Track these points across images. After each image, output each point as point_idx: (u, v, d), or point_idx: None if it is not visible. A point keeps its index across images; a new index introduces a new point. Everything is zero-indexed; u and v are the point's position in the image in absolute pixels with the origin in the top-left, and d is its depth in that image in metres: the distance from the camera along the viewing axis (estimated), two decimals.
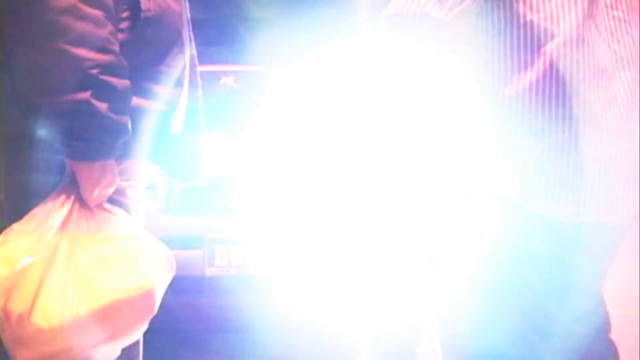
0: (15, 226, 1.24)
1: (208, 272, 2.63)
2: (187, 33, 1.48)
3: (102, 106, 1.23)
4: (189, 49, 1.49)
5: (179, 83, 1.42)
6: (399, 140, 3.21)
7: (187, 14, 1.48)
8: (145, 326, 1.34)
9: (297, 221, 2.77)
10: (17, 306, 1.19)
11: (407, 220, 2.95)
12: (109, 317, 1.24)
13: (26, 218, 1.25)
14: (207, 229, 2.67)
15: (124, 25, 1.32)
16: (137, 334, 1.34)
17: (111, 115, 1.24)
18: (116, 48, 1.28)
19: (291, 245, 2.73)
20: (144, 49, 1.35)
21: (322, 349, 3.24)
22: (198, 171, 1.51)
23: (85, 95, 1.22)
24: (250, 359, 3.37)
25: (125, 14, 1.33)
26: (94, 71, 1.23)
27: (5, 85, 1.28)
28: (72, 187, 1.27)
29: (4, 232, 1.25)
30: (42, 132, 1.27)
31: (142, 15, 1.33)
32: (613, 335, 3.89)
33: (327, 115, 4.07)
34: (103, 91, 1.23)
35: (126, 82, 1.28)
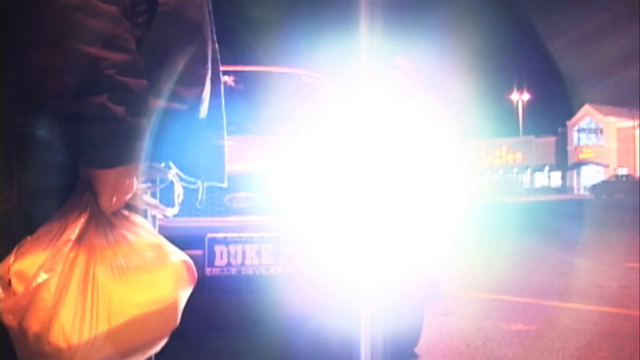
0: (29, 238, 1.16)
1: (208, 272, 2.63)
2: (209, 26, 1.36)
3: (119, 109, 1.14)
4: (211, 43, 1.37)
5: (200, 81, 1.32)
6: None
7: (208, 4, 1.37)
8: (166, 339, 1.26)
9: (297, 220, 2.77)
10: (33, 324, 1.11)
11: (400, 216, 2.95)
12: (129, 332, 1.17)
13: (41, 230, 1.17)
14: (207, 229, 2.67)
15: (140, 20, 1.22)
16: (157, 348, 1.26)
17: (128, 118, 1.15)
18: (133, 46, 1.18)
19: (292, 244, 2.73)
20: (162, 46, 1.25)
21: (322, 349, 3.24)
22: (221, 171, 1.41)
23: (101, 98, 1.13)
24: (250, 359, 3.37)
25: (141, 8, 1.23)
26: (110, 72, 1.14)
27: (16, 88, 1.19)
28: (87, 195, 1.19)
29: (18, 244, 1.16)
30: (53, 134, 1.19)
31: (160, 9, 1.24)
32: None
33: (327, 114, 4.07)
34: (120, 93, 1.15)
35: (143, 82, 1.19)
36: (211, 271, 2.64)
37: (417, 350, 3.45)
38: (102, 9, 1.15)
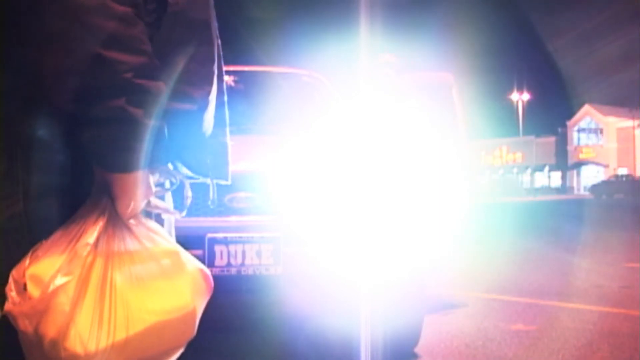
0: (45, 242, 1.14)
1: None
2: (214, 22, 1.34)
3: (138, 112, 1.12)
4: (216, 40, 1.34)
5: (209, 80, 1.29)
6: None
7: (212, 2, 1.34)
8: (183, 349, 1.24)
9: (297, 220, 2.77)
10: (50, 330, 1.08)
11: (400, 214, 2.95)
12: (147, 340, 1.14)
13: (57, 234, 1.14)
14: (207, 229, 2.67)
15: (149, 19, 1.20)
16: (173, 358, 1.23)
17: (147, 121, 1.14)
18: (149, 48, 1.17)
19: (292, 244, 2.73)
20: (171, 46, 1.23)
21: (322, 349, 3.24)
22: (226, 169, 1.40)
23: (120, 101, 1.11)
24: (251, 359, 3.37)
25: (150, 7, 1.20)
26: (128, 75, 1.12)
27: (22, 89, 1.17)
28: (105, 199, 1.17)
29: (32, 249, 1.13)
30: (59, 136, 1.17)
31: (169, 9, 1.22)
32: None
33: (327, 114, 4.07)
34: (138, 96, 1.13)
35: (160, 85, 1.17)
36: (211, 271, 2.63)
37: (417, 350, 3.45)
38: (117, 10, 1.13)
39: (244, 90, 4.32)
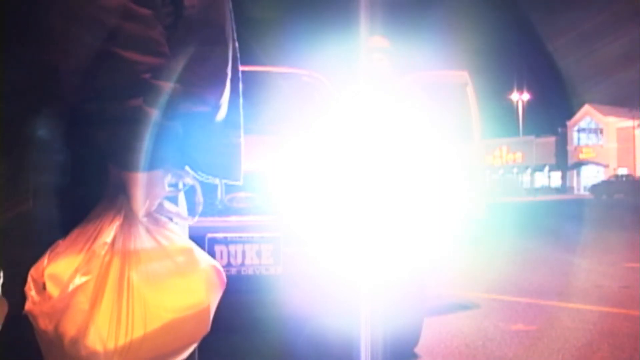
0: (61, 241, 1.15)
1: None
2: (231, 25, 1.34)
3: (155, 112, 1.14)
4: (232, 42, 1.34)
5: (222, 83, 1.30)
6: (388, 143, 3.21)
7: (229, 3, 1.35)
8: (195, 344, 1.26)
9: (297, 220, 2.77)
10: (70, 329, 1.10)
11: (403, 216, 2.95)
12: (164, 337, 1.16)
13: (75, 233, 1.16)
14: (207, 229, 2.67)
15: (166, 21, 1.21)
16: (186, 354, 1.25)
17: (164, 121, 1.16)
18: (167, 50, 1.18)
19: (292, 244, 2.73)
20: (187, 48, 1.23)
21: (322, 349, 3.25)
22: (238, 169, 1.40)
23: (138, 101, 1.13)
24: (251, 359, 3.37)
25: (167, 10, 1.22)
26: (147, 75, 1.14)
27: (30, 89, 1.18)
28: (120, 198, 1.18)
29: (50, 248, 1.15)
30: (68, 136, 1.18)
31: (186, 12, 1.23)
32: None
33: (327, 114, 4.07)
34: (156, 96, 1.15)
35: (177, 86, 1.18)
36: None
37: (417, 350, 3.45)
38: (137, 12, 1.14)
39: (244, 90, 4.31)
